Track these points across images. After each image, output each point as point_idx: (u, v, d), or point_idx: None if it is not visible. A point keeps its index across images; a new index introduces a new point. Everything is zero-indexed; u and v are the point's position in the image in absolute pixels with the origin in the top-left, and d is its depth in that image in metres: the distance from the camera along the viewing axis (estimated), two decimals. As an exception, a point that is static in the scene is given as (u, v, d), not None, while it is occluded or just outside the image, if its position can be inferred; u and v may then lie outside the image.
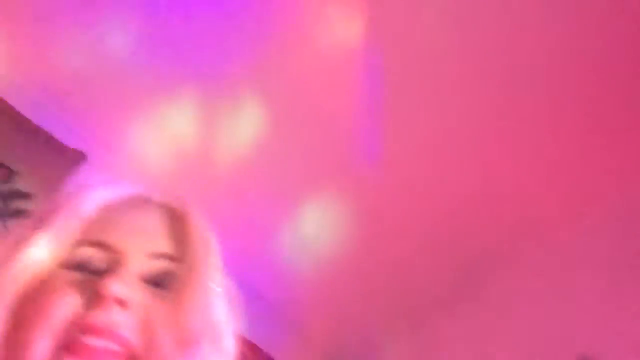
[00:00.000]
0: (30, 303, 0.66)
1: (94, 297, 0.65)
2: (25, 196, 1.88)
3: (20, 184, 1.89)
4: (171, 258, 0.71)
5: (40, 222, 0.71)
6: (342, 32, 2.03)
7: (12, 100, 2.04)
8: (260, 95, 2.15)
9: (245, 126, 2.18)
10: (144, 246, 0.70)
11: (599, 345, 2.12)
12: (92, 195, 0.73)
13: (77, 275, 0.67)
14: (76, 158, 2.09)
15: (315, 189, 2.30)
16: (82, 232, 0.70)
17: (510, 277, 2.41)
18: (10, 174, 1.90)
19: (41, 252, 0.68)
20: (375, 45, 2.00)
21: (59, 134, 2.11)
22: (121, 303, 0.64)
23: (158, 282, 0.69)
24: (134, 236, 0.70)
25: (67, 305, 0.64)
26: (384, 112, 2.10)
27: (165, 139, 2.20)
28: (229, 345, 0.71)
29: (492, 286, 2.43)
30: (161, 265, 0.70)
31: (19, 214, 1.85)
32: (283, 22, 2.02)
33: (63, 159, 2.06)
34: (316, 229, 2.32)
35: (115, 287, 0.65)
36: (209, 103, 2.15)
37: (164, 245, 0.72)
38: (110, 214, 0.72)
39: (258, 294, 2.32)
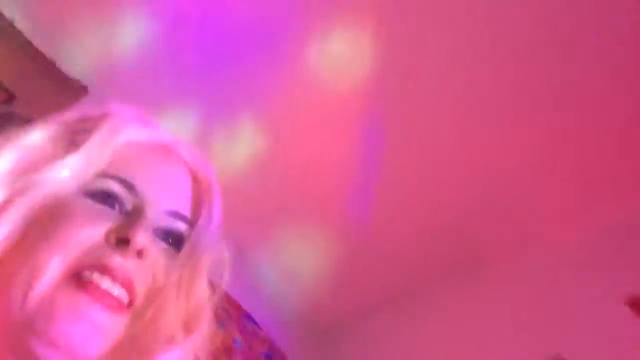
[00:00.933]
0: (47, 221, 0.63)
1: (117, 239, 0.63)
2: (24, 121, 1.83)
3: (20, 109, 1.85)
4: (189, 222, 0.70)
5: (66, 138, 0.68)
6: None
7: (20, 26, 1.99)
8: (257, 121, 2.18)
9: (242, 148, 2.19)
10: (168, 202, 0.69)
11: (575, 346, 2.14)
12: (125, 129, 0.71)
13: (100, 207, 0.65)
14: (78, 90, 2.05)
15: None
16: (111, 164, 0.67)
17: (508, 266, 2.41)
18: (9, 97, 1.86)
19: (66, 171, 0.65)
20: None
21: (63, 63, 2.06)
22: (141, 255, 0.64)
23: (169, 241, 0.69)
24: (161, 188, 0.69)
25: (88, 236, 0.63)
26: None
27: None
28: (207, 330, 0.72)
29: (489, 271, 2.43)
30: (179, 226, 0.69)
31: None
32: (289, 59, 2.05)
33: (65, 89, 2.02)
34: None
35: (141, 237, 0.64)
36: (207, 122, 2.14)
37: (186, 207, 0.71)
38: (141, 154, 0.70)
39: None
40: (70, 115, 0.73)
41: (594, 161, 2.16)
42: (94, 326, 0.60)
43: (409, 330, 2.54)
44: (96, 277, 0.61)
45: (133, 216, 0.65)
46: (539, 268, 2.36)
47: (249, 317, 2.42)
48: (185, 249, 0.69)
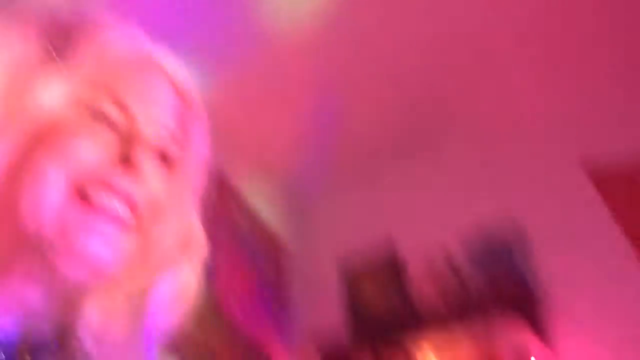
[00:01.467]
0: (45, 137, 0.62)
1: (120, 160, 0.64)
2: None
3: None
4: (176, 138, 0.71)
5: (50, 48, 0.66)
6: None
7: None
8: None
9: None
10: (158, 117, 0.69)
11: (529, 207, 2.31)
12: (113, 42, 0.69)
13: (96, 126, 0.65)
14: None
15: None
16: (102, 80, 0.66)
17: (466, 130, 2.48)
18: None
19: (59, 88, 0.64)
20: None
21: None
22: (143, 175, 0.65)
23: (162, 161, 0.69)
24: (151, 106, 0.68)
25: (92, 153, 0.63)
26: None
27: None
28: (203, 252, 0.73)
29: (448, 137, 2.50)
30: (172, 146, 0.70)
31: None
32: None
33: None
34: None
35: (142, 158, 0.65)
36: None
37: (176, 127, 0.71)
38: (130, 69, 0.69)
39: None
40: (49, 19, 0.69)
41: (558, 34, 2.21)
42: (107, 242, 0.62)
43: (378, 199, 2.64)
44: (103, 196, 0.62)
45: (131, 137, 0.65)
46: (498, 135, 2.46)
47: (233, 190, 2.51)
48: (179, 169, 0.70)
